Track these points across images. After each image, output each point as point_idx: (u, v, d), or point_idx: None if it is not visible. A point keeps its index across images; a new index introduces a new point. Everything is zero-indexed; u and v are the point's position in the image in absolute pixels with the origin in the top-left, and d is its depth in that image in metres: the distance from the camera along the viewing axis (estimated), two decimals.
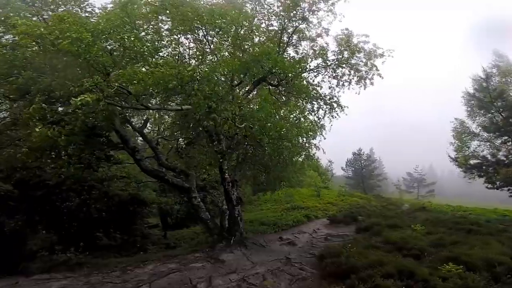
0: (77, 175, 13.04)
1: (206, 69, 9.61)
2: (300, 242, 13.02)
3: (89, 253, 11.18)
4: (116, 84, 8.25)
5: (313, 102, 13.15)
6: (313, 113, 13.19)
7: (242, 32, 11.68)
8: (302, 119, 14.05)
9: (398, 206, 27.66)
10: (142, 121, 17.09)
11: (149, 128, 18.70)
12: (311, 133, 12.58)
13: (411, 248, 8.90)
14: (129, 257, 12.62)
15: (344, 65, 12.74)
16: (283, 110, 13.02)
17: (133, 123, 16.55)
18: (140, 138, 16.22)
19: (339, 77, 13.13)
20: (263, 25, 12.98)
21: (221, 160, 11.82)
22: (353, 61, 12.65)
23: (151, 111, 16.16)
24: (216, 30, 11.23)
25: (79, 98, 7.52)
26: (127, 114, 15.83)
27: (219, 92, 9.18)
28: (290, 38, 12.97)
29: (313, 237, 13.95)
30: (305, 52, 12.78)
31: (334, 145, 13.60)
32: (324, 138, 13.04)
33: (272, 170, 15.04)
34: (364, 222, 14.35)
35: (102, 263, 10.65)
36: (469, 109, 23.08)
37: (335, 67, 12.87)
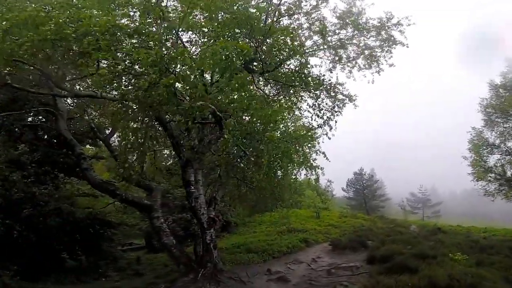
0: None
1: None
2: (294, 277, 9.16)
3: (37, 277, 9.75)
4: None
5: (311, 92, 9.72)
6: (313, 107, 9.65)
7: None
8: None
9: (406, 228, 23.66)
10: None
11: None
12: (309, 139, 9.24)
13: None
14: (76, 285, 10.65)
15: (348, 44, 9.44)
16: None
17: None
18: None
19: (343, 59, 9.79)
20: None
21: (183, 168, 8.39)
22: (360, 38, 9.35)
23: None
24: None
25: None
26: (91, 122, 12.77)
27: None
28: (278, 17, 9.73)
29: (312, 268, 10.08)
30: (298, 27, 9.49)
31: (330, 165, 9.93)
32: (329, 138, 9.56)
33: (261, 187, 11.61)
34: (379, 249, 10.37)
35: None
36: (485, 118, 19.58)
37: (336, 47, 9.53)
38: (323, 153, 9.52)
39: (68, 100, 12.50)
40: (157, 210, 9.47)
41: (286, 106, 10.19)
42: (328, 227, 19.93)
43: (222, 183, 11.12)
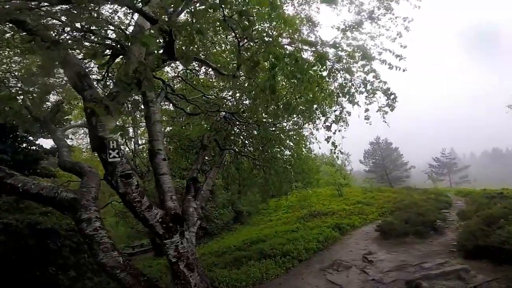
0: None
1: None
2: None
3: None
4: None
5: None
6: None
7: None
8: None
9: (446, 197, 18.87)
10: None
11: None
12: None
13: None
14: None
15: None
16: None
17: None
18: None
19: None
20: None
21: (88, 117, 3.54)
22: None
23: None
24: None
25: None
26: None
27: None
28: None
29: (374, 279, 5.51)
30: None
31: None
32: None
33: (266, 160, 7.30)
34: (489, 236, 5.54)
35: None
36: None
37: None
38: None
39: None
40: (88, 207, 4.48)
41: None
42: (358, 205, 15.32)
43: (210, 160, 6.81)
